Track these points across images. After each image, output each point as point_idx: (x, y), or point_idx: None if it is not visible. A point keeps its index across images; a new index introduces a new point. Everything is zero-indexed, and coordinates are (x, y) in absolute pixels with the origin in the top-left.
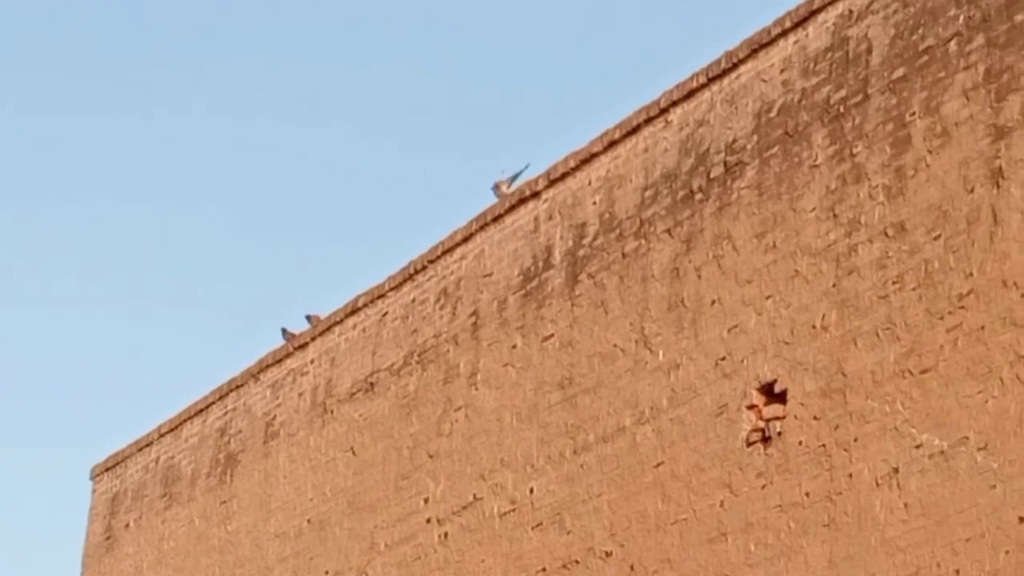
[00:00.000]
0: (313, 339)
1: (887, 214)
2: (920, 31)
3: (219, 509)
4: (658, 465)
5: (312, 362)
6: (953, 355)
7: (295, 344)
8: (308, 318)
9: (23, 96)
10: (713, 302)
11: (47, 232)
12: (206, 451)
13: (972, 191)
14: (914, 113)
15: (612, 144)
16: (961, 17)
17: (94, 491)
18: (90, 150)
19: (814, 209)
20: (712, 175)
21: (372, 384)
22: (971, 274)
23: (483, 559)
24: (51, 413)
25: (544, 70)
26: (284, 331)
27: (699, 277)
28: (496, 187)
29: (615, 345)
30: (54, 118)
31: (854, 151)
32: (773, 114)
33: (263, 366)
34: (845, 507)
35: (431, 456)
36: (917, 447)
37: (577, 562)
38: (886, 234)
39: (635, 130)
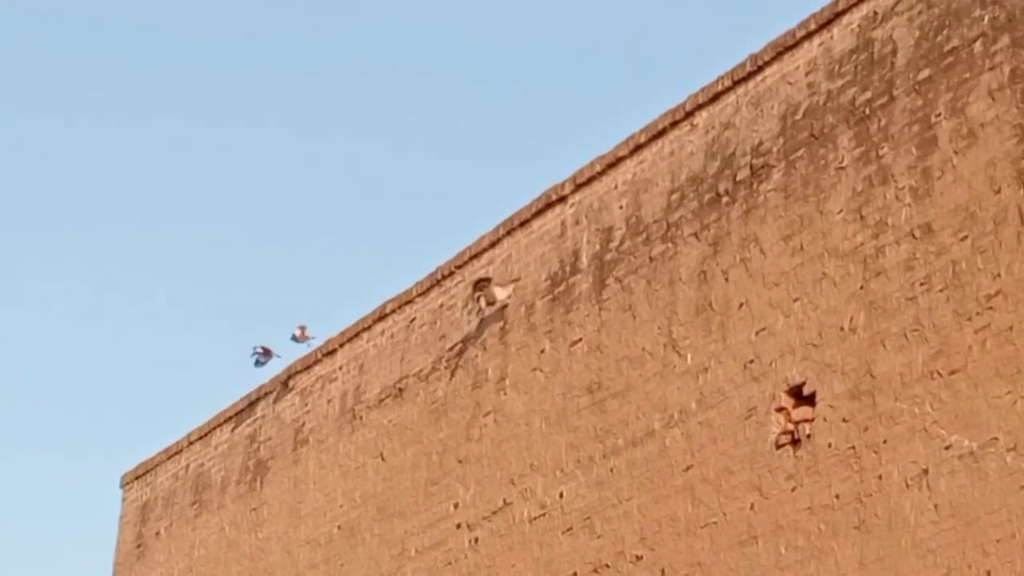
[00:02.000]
0: (342, 345)
1: (914, 215)
2: (945, 32)
3: (249, 516)
4: (688, 468)
5: (341, 368)
6: (982, 356)
7: (324, 350)
8: (298, 332)
9: (30, 102)
10: (741, 305)
11: (78, 242)
12: (236, 458)
13: (999, 192)
14: (940, 114)
15: (638, 148)
16: (986, 18)
17: (124, 499)
18: (119, 158)
19: (841, 211)
20: (738, 178)
21: (401, 390)
22: (999, 275)
23: (513, 564)
24: (82, 421)
25: (570, 74)
26: (258, 350)
27: (726, 280)
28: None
29: (643, 349)
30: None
31: (880, 153)
32: (799, 116)
33: (292, 373)
34: (875, 509)
35: (460, 461)
36: (947, 448)
37: (608, 566)
38: (913, 235)
39: (661, 133)
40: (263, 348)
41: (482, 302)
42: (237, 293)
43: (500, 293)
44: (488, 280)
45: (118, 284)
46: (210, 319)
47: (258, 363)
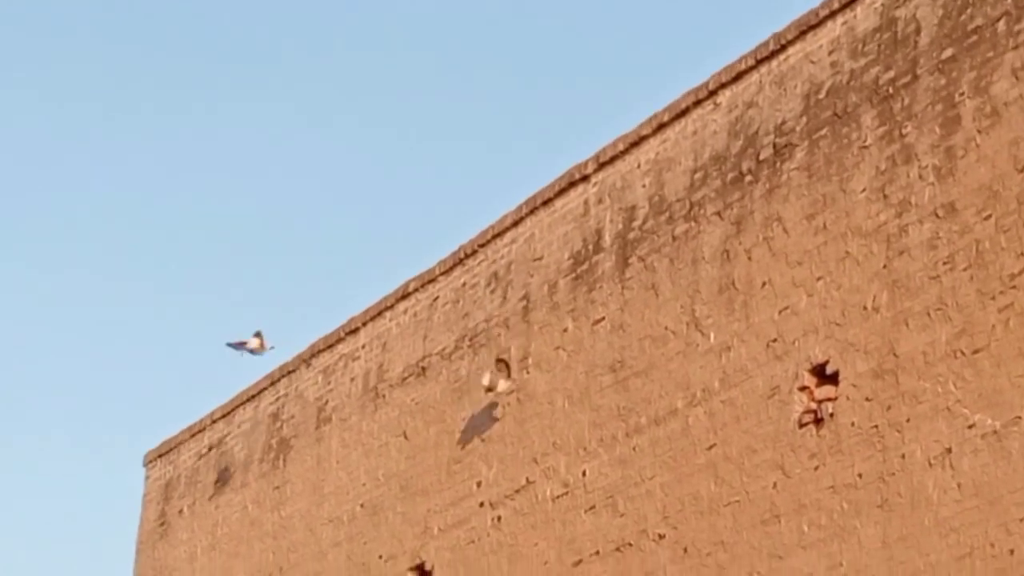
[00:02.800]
0: (364, 324)
1: (937, 194)
2: (968, 11)
3: (272, 494)
4: (710, 447)
5: (363, 347)
6: (1005, 335)
7: (347, 329)
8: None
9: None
10: (764, 284)
11: (102, 225)
12: (259, 437)
13: (1022, 170)
14: (963, 93)
15: (661, 127)
16: None
17: (147, 477)
18: (139, 142)
19: (864, 190)
20: (761, 157)
21: (424, 368)
22: (1022, 254)
23: (536, 542)
24: (104, 400)
25: (593, 54)
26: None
27: (749, 259)
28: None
29: (666, 328)
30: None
31: (903, 132)
32: (822, 95)
33: (315, 351)
34: (898, 488)
35: (483, 440)
36: (970, 427)
37: (630, 545)
38: (936, 215)
39: (684, 113)
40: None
41: (492, 380)
42: (260, 273)
43: (503, 384)
44: (507, 363)
45: (141, 265)
46: (231, 298)
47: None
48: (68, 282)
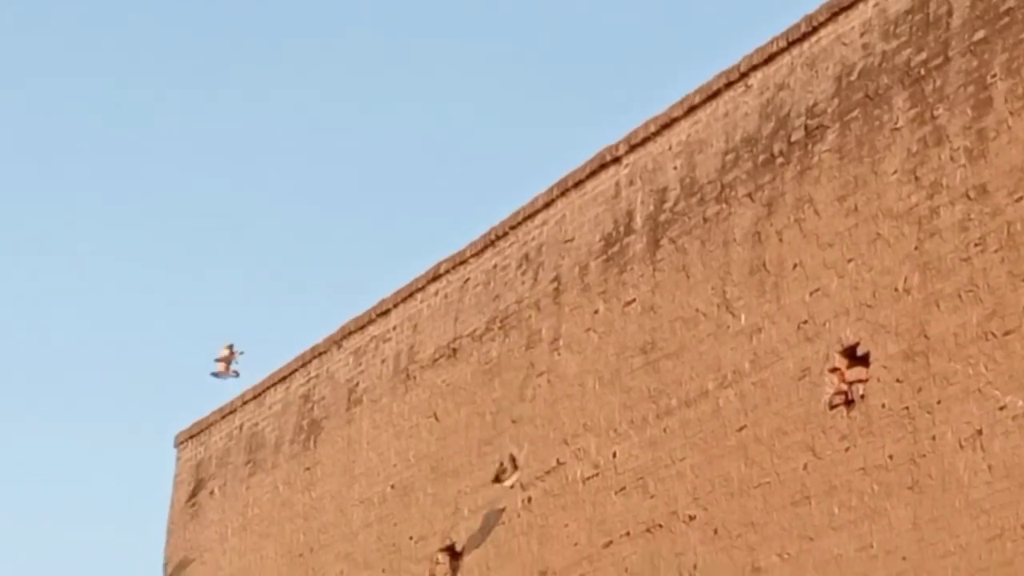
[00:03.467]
0: (396, 306)
1: (969, 176)
2: None
3: (303, 475)
4: (741, 429)
5: (394, 328)
6: None
7: (378, 310)
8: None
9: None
10: (795, 266)
11: (129, 202)
12: (289, 418)
13: None
14: (995, 75)
15: (692, 109)
16: None
17: (179, 459)
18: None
19: (895, 172)
20: (793, 139)
21: (455, 350)
22: None
23: (566, 524)
24: (136, 382)
25: (624, 35)
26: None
27: (780, 241)
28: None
29: (697, 309)
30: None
31: (935, 114)
32: (853, 77)
33: (345, 333)
34: (929, 469)
35: (514, 421)
36: (1001, 409)
37: (661, 526)
38: (968, 196)
39: (715, 95)
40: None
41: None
42: (293, 254)
43: (509, 479)
44: (514, 459)
45: (171, 243)
46: (263, 278)
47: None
48: (96, 264)
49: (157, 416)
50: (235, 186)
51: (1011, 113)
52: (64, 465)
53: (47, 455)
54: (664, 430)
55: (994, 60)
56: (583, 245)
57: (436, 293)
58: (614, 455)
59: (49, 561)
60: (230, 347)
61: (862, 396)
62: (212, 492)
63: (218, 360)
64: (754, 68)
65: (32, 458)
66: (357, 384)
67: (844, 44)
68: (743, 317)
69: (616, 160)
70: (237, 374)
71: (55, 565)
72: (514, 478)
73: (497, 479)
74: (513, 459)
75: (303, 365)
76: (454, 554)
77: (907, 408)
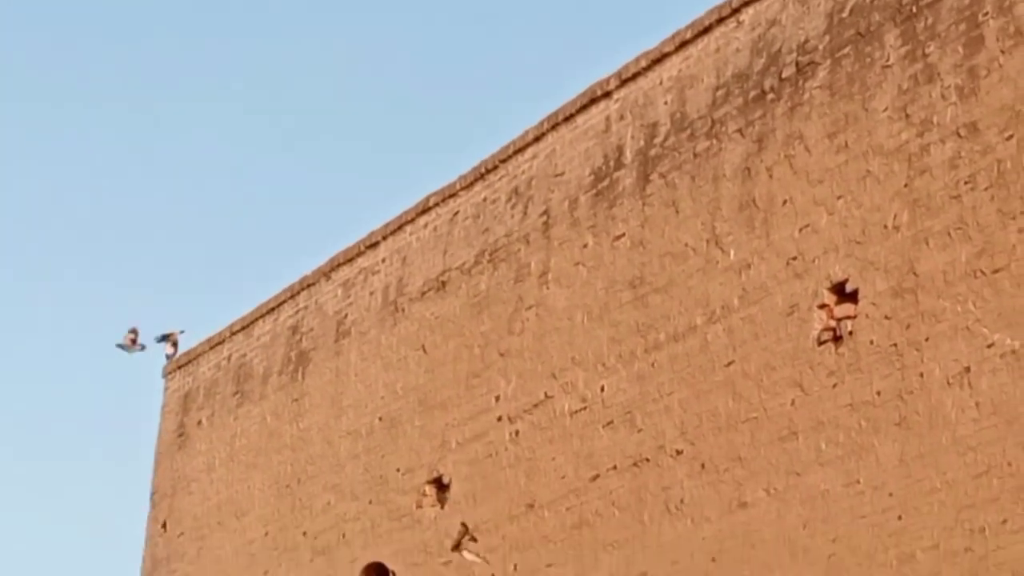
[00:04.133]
0: (384, 238)
1: (959, 114)
2: None
3: (291, 407)
4: (729, 364)
5: (383, 261)
6: None
7: (366, 243)
8: (131, 336)
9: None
10: (784, 202)
11: (132, 134)
12: (278, 349)
13: None
14: (987, 13)
15: (684, 44)
16: None
17: (166, 389)
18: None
19: (886, 109)
20: (784, 75)
21: (443, 283)
22: None
23: (554, 456)
24: (124, 312)
25: None
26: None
27: (770, 177)
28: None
29: (686, 244)
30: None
31: (927, 51)
32: (845, 14)
33: (334, 265)
34: (916, 406)
35: (502, 355)
36: (989, 347)
37: (648, 460)
38: (958, 134)
39: (707, 30)
40: (133, 337)
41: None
42: (282, 186)
43: (469, 555)
44: (471, 540)
45: (166, 172)
46: (251, 208)
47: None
48: (94, 193)
49: (146, 344)
50: (233, 116)
51: (1002, 52)
52: (51, 395)
53: (35, 385)
54: (652, 364)
55: None
56: (573, 179)
57: (425, 226)
58: (602, 389)
59: (40, 492)
60: (134, 331)
61: (850, 332)
62: (200, 423)
63: (124, 341)
64: (746, 4)
65: (20, 388)
66: (345, 316)
67: None
68: (732, 253)
69: (607, 95)
70: (144, 347)
71: (46, 496)
72: (473, 550)
73: (456, 547)
74: (471, 535)
75: (292, 297)
76: (441, 486)
77: (895, 345)
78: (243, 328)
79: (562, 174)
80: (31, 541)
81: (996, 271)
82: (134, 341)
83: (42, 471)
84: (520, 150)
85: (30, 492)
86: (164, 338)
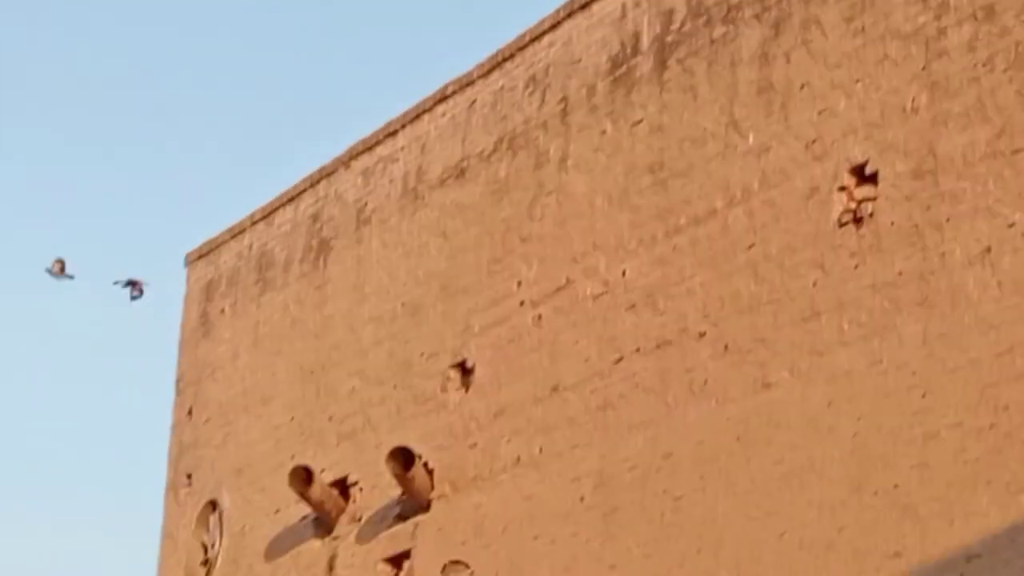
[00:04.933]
0: (403, 126)
1: None
2: None
3: (313, 294)
4: (750, 247)
5: (402, 149)
6: None
7: (385, 131)
8: (58, 264)
9: None
10: (802, 86)
11: (146, 26)
12: (299, 238)
13: None
14: None
15: None
16: None
17: (189, 278)
18: None
19: None
20: None
21: (463, 170)
22: None
23: (577, 340)
24: (145, 200)
25: None
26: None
27: (788, 62)
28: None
29: (705, 129)
30: None
31: None
32: None
33: (353, 154)
34: (938, 285)
35: (523, 240)
36: (1010, 226)
37: (671, 342)
38: (975, 17)
39: None
40: (132, 281)
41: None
42: (298, 72)
43: None
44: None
45: (182, 65)
46: (271, 98)
47: (132, 295)
48: (114, 78)
49: (168, 234)
50: (245, 6)
51: None
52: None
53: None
54: (673, 248)
55: None
56: (590, 66)
57: (443, 114)
58: (623, 273)
59: (64, 384)
60: (60, 261)
61: (871, 214)
62: (223, 311)
63: (52, 268)
64: None
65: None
66: (366, 204)
67: None
68: (751, 137)
69: None
70: (72, 277)
71: (70, 388)
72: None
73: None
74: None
75: (311, 186)
76: (465, 370)
77: (916, 226)
78: (263, 217)
79: (579, 61)
80: (57, 432)
81: (1015, 152)
82: (62, 269)
83: (67, 360)
84: (536, 38)
85: (57, 383)
86: (130, 284)
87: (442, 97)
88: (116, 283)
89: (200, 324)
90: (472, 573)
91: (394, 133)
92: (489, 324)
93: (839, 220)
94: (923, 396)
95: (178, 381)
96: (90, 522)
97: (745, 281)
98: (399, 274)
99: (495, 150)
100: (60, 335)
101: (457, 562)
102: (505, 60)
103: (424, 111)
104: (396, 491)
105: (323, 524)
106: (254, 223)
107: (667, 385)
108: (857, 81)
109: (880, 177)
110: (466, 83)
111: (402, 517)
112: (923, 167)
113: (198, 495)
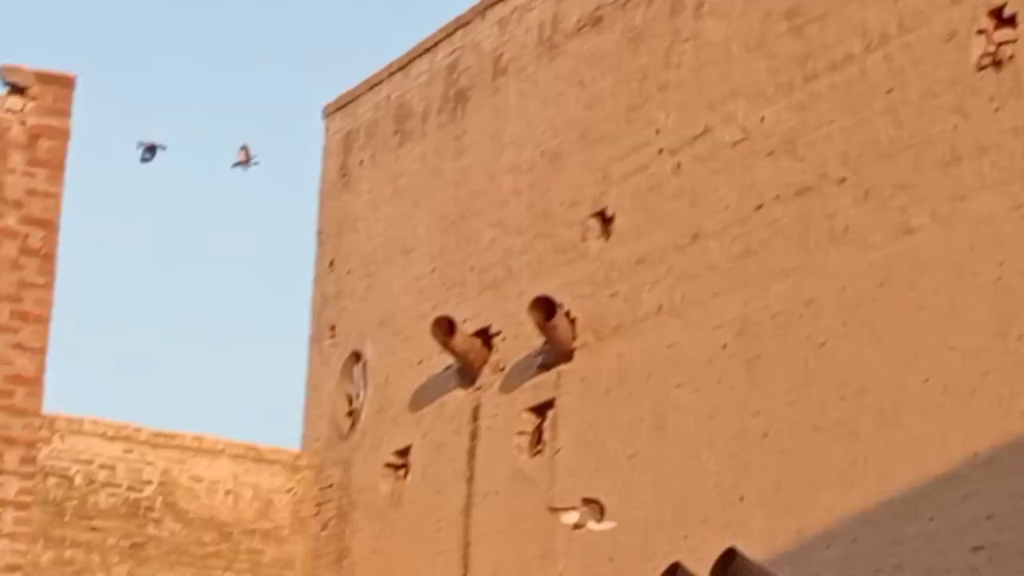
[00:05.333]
0: None
1: None
2: None
3: (452, 144)
4: (889, 91)
5: None
6: None
7: None
8: (243, 153)
9: None
10: None
11: None
12: (436, 88)
13: None
14: None
15: None
16: None
17: (327, 130)
18: None
19: None
20: None
21: (598, 18)
22: None
23: (717, 188)
24: (282, 51)
25: None
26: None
27: None
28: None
29: None
30: None
31: None
32: None
33: (489, 3)
34: None
35: (660, 88)
36: None
37: (811, 189)
38: None
39: None
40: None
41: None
42: None
43: (599, 525)
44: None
45: None
46: None
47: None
48: None
49: (305, 86)
50: None
51: None
52: (212, 139)
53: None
54: (812, 94)
55: None
56: None
57: None
58: (762, 120)
59: (205, 235)
60: (245, 149)
61: (1011, 57)
62: (362, 162)
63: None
64: None
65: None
66: (502, 54)
67: None
68: None
69: None
70: (258, 163)
71: (212, 239)
72: (602, 525)
73: (577, 527)
74: (600, 507)
75: (447, 36)
76: (605, 219)
77: None
78: (400, 68)
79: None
80: (201, 287)
81: None
82: (247, 157)
83: (207, 217)
84: None
85: (197, 238)
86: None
87: None
88: (139, 146)
89: (339, 176)
90: (603, 509)
91: None
92: (628, 172)
93: (978, 63)
94: None
95: (319, 233)
96: (236, 373)
97: (884, 126)
98: (537, 123)
99: None
100: (200, 189)
101: (590, 500)
102: None
103: None
104: (538, 340)
105: (466, 374)
106: (391, 74)
107: (808, 231)
108: None
109: (1019, 19)
110: None
111: (545, 367)
112: None
113: (342, 347)
